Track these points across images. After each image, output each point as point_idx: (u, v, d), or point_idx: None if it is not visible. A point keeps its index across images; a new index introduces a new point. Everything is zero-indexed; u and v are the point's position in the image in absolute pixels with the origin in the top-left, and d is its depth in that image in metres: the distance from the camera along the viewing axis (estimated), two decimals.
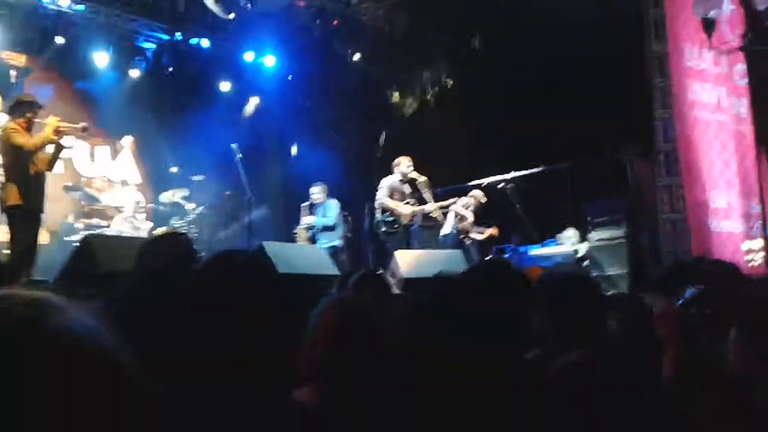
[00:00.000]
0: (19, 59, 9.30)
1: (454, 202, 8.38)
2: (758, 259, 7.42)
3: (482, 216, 8.89)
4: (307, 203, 8.91)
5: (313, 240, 8.72)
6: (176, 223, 8.86)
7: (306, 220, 8.83)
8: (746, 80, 7.93)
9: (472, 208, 8.77)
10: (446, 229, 8.63)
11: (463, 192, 9.06)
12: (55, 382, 0.60)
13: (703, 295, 2.43)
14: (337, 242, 8.70)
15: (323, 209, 8.81)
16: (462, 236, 8.60)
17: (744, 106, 7.97)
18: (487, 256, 8.33)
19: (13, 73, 9.12)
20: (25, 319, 0.63)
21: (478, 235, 8.69)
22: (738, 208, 7.65)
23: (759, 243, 7.51)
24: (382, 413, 1.60)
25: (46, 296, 0.67)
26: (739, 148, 7.83)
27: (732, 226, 7.56)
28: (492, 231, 8.75)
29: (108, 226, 8.52)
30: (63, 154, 6.43)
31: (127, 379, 0.66)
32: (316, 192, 8.87)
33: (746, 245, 7.51)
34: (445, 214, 8.13)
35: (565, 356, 2.09)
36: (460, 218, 8.62)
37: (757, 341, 1.73)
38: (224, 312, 1.50)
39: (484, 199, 8.88)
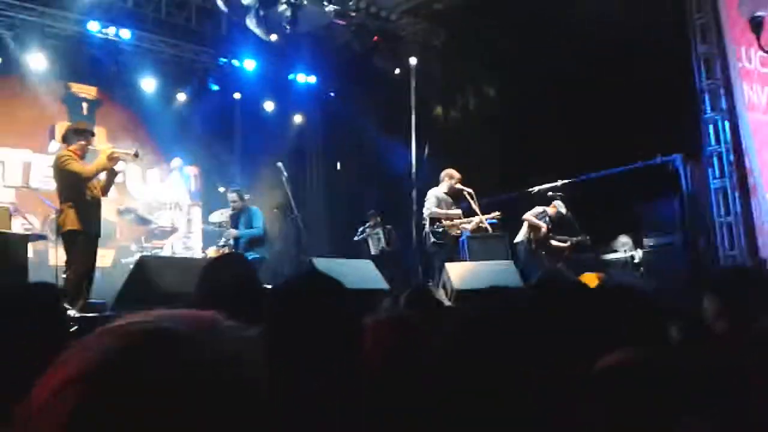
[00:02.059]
0: (90, 91, 9.64)
1: (499, 214, 8.20)
2: None
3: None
4: (224, 213, 8.34)
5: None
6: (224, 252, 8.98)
7: (230, 233, 8.18)
8: None
9: (548, 217, 8.60)
10: (519, 236, 8.57)
11: (508, 201, 8.98)
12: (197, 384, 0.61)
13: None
14: (267, 254, 8.15)
15: (247, 218, 8.16)
16: (535, 246, 8.47)
17: None
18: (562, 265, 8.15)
19: (84, 105, 9.49)
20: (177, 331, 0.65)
21: (561, 244, 8.48)
22: None
23: None
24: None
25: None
26: None
27: None
28: (581, 240, 8.49)
29: (162, 248, 8.68)
30: (117, 179, 6.59)
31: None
32: (234, 199, 8.22)
33: None
34: (492, 224, 8.04)
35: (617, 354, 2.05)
36: (534, 229, 8.50)
37: None
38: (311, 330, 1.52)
39: (563, 209, 8.60)
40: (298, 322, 1.56)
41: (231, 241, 8.08)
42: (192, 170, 10.82)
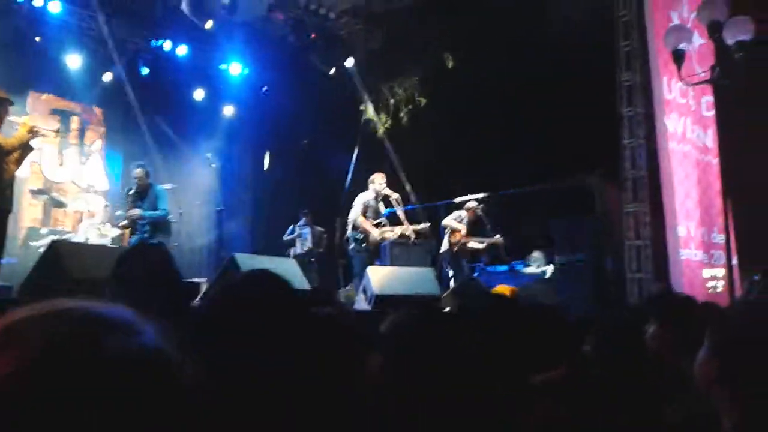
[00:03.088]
0: None
1: (428, 226, 8.30)
2: (719, 287, 7.61)
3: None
4: (131, 189, 7.61)
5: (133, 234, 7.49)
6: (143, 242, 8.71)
7: (132, 212, 7.45)
8: (713, 112, 8.14)
9: (465, 220, 8.80)
10: (443, 246, 8.70)
11: (436, 209, 9.15)
12: (118, 398, 0.61)
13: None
14: (169, 241, 7.45)
15: (151, 198, 7.53)
16: (455, 249, 8.62)
17: (710, 138, 8.20)
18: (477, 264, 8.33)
19: None
20: (85, 337, 0.63)
21: (476, 245, 8.68)
22: (698, 236, 7.84)
23: (721, 272, 7.70)
24: None
25: (104, 312, 0.68)
26: (703, 178, 8.04)
27: (692, 254, 7.75)
28: (496, 240, 8.67)
29: (73, 232, 8.38)
30: (33, 157, 6.32)
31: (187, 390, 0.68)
32: (139, 175, 7.54)
33: (708, 272, 7.70)
34: (417, 234, 8.15)
35: (547, 373, 2.15)
36: (452, 232, 8.67)
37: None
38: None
39: (479, 210, 8.84)
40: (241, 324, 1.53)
41: (129, 222, 7.52)
42: (108, 154, 10.47)
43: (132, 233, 7.49)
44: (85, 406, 0.59)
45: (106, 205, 8.91)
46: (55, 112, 9.71)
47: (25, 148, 5.90)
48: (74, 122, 10.01)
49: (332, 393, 1.58)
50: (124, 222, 7.59)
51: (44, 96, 9.71)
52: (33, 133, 5.89)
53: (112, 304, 0.70)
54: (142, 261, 3.04)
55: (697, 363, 1.92)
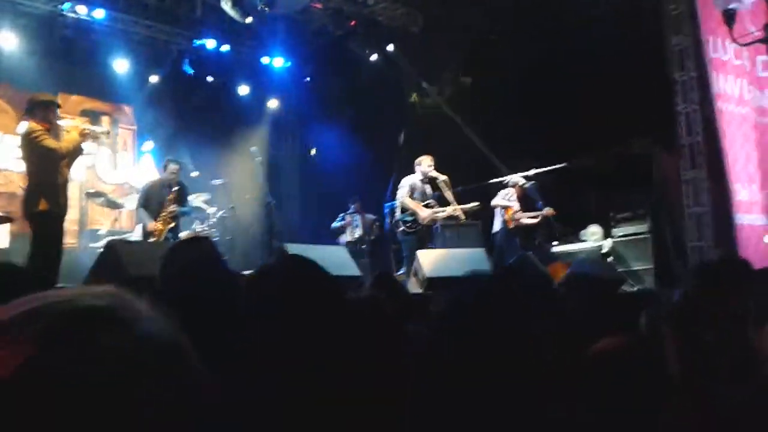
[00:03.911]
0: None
1: (477, 205, 8.17)
2: None
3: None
4: (199, 197, 7.95)
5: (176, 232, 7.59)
6: (198, 227, 8.88)
7: (172, 209, 7.56)
8: None
9: (514, 196, 8.64)
10: (496, 226, 8.60)
11: (484, 190, 9.02)
12: (126, 372, 0.59)
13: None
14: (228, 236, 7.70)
15: (183, 194, 7.85)
16: (511, 225, 8.48)
17: (766, 99, 7.87)
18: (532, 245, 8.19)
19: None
20: (98, 308, 0.62)
21: (529, 220, 8.49)
22: (760, 201, 7.55)
23: None
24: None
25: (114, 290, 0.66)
26: (762, 140, 7.72)
27: (754, 218, 7.46)
28: (547, 212, 8.43)
29: (131, 232, 8.58)
30: (86, 160, 6.44)
31: (193, 371, 0.66)
32: (176, 170, 7.73)
33: None
34: (466, 214, 8.05)
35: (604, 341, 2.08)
36: (505, 210, 8.55)
37: None
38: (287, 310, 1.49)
39: (526, 184, 8.64)
40: (278, 307, 1.52)
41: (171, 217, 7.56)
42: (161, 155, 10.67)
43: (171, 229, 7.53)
44: (81, 403, 0.57)
45: None
46: (84, 113, 9.80)
47: (76, 152, 5.91)
48: (104, 122, 10.14)
49: (369, 378, 1.54)
50: (165, 214, 7.54)
51: (73, 97, 9.83)
52: (84, 135, 5.94)
53: (107, 291, 0.67)
54: (190, 254, 3.05)
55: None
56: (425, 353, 1.88)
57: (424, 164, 7.91)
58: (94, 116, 9.97)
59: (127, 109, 10.60)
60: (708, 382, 1.87)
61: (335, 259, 6.71)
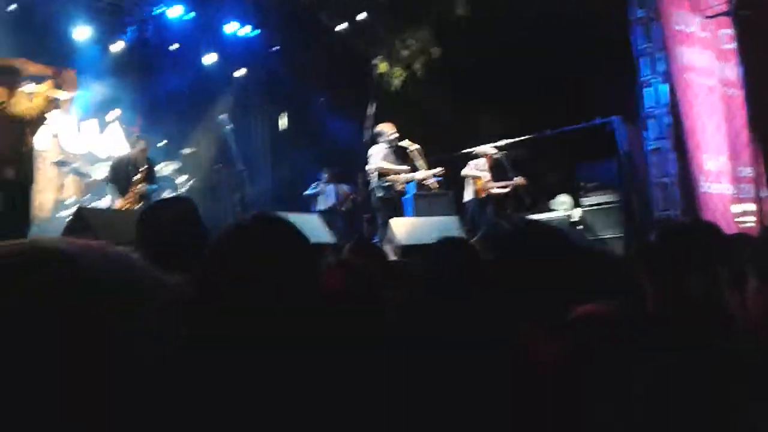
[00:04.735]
0: None
1: (442, 170, 8.23)
2: (749, 221, 7.53)
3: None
4: (169, 166, 7.89)
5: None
6: (167, 196, 8.74)
7: (140, 189, 7.51)
8: (734, 45, 7.97)
9: (485, 166, 8.72)
10: (467, 196, 8.66)
11: (455, 160, 9.07)
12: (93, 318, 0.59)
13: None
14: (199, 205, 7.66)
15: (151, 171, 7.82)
16: (482, 195, 8.57)
17: (731, 70, 8.04)
18: (504, 214, 8.28)
19: None
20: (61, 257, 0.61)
21: (500, 190, 8.58)
22: (728, 171, 7.74)
23: (751, 206, 7.61)
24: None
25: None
26: (729, 111, 7.90)
27: (722, 188, 7.66)
28: (517, 181, 8.53)
29: (99, 201, 8.42)
30: (51, 130, 6.28)
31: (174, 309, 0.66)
32: (144, 146, 7.76)
33: (738, 207, 7.62)
34: (438, 182, 8.11)
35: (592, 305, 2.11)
36: (475, 180, 8.62)
37: None
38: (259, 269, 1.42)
39: (497, 154, 8.73)
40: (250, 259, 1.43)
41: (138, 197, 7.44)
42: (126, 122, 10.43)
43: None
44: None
45: None
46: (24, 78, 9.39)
47: (40, 119, 5.78)
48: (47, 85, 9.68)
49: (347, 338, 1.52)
50: (134, 194, 7.47)
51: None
52: (49, 102, 5.81)
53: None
54: (166, 213, 2.90)
55: (750, 296, 1.87)
56: (402, 317, 1.91)
57: (387, 132, 7.87)
58: (35, 80, 9.55)
59: (70, 73, 10.09)
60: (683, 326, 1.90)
61: (308, 225, 6.65)
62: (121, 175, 7.55)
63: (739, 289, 1.98)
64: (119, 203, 7.38)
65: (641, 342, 1.80)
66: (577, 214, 8.60)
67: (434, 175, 8.04)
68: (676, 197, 7.65)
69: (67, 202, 8.40)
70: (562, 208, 8.85)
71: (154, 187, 7.79)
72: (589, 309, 2.13)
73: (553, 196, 9.06)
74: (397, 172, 7.78)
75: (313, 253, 1.62)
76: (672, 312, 1.97)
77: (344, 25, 10.88)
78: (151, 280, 0.66)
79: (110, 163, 8.03)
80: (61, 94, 6.13)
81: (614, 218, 8.16)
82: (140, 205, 7.33)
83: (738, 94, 7.87)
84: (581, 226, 8.33)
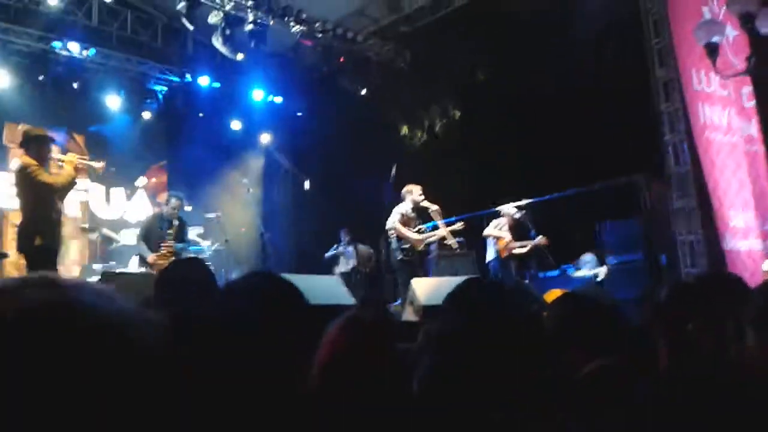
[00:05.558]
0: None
1: (461, 225, 8.21)
2: None
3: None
4: (168, 220, 7.66)
5: None
6: (185, 257, 8.80)
7: (169, 245, 7.57)
8: (754, 102, 7.98)
9: (506, 227, 8.73)
10: (489, 255, 8.64)
11: (475, 220, 9.07)
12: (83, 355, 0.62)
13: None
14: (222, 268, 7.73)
15: (183, 229, 7.88)
16: (504, 255, 8.55)
17: (754, 128, 8.03)
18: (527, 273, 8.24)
19: None
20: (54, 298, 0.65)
21: (521, 249, 8.58)
22: (755, 227, 7.63)
23: None
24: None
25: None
26: (753, 168, 7.84)
27: (751, 244, 7.53)
28: (539, 241, 8.56)
29: (126, 267, 8.53)
30: (81, 197, 6.42)
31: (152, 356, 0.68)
32: (177, 205, 7.73)
33: (767, 264, 7.46)
34: (460, 243, 8.09)
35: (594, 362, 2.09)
36: (497, 240, 8.61)
37: None
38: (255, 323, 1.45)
39: (517, 214, 8.77)
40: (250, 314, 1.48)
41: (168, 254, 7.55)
42: (153, 189, 10.66)
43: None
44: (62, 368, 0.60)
45: None
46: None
47: (70, 186, 5.85)
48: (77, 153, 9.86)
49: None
50: (164, 251, 7.55)
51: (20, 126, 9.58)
52: (78, 170, 5.92)
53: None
54: (180, 275, 3.02)
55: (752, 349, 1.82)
56: (416, 368, 1.88)
57: (415, 193, 7.93)
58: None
59: (79, 138, 10.21)
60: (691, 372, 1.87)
61: (328, 288, 6.68)
62: (152, 232, 7.66)
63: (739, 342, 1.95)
64: (152, 258, 7.44)
65: (649, 396, 1.78)
66: (602, 272, 8.49)
67: (453, 231, 7.98)
68: (702, 255, 7.52)
69: (94, 268, 8.51)
70: (588, 266, 8.75)
71: (186, 245, 7.88)
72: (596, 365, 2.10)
73: (578, 256, 8.97)
74: (412, 235, 7.77)
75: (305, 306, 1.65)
76: (682, 366, 1.94)
77: (365, 91, 11.10)
78: (128, 309, 0.69)
79: (138, 228, 8.14)
80: (91, 163, 6.27)
81: (640, 277, 8.03)
82: (171, 260, 7.41)
83: (761, 150, 7.84)
84: (606, 285, 8.21)
